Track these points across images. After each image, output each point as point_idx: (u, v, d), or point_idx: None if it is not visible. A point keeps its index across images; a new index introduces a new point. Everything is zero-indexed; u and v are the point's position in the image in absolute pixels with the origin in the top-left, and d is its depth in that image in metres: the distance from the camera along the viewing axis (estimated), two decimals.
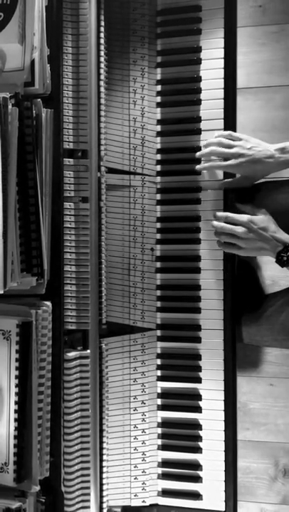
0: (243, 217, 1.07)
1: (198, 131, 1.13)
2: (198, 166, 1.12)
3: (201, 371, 1.14)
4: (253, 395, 1.47)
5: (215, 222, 1.09)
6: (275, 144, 1.07)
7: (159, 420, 1.16)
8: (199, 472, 1.14)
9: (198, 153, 1.11)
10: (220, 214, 1.09)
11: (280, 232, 1.06)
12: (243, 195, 1.14)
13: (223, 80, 1.12)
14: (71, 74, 1.07)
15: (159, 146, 1.16)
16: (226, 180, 1.12)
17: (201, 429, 1.14)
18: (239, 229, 1.06)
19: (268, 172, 1.09)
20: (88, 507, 1.06)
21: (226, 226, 1.07)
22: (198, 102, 1.13)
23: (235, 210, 1.11)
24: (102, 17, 1.09)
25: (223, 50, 1.12)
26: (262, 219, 1.06)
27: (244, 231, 1.06)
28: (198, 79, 1.13)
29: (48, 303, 1.00)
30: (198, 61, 1.13)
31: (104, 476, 1.11)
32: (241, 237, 1.06)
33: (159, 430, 1.16)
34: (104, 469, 1.11)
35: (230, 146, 1.08)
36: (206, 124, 1.13)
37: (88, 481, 1.06)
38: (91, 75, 1.07)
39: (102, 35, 1.09)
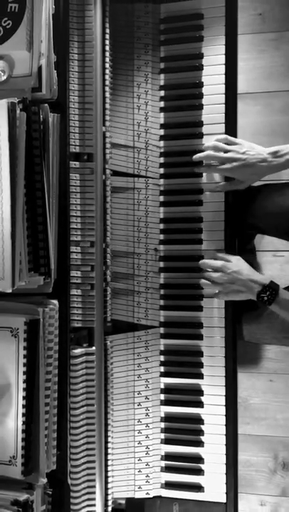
0: (217, 263, 1.09)
1: (201, 135, 1.13)
2: (196, 169, 1.12)
3: (202, 367, 1.13)
4: (253, 390, 1.47)
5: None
6: (270, 147, 1.06)
7: (163, 415, 1.15)
8: (201, 465, 1.13)
9: (195, 156, 1.10)
10: (200, 262, 1.11)
11: (256, 274, 1.08)
12: (243, 197, 1.13)
13: (224, 86, 1.12)
14: (77, 80, 1.06)
15: (162, 149, 1.15)
16: (224, 182, 1.12)
17: (202, 424, 1.13)
18: (214, 274, 1.09)
19: (261, 175, 1.08)
20: (94, 499, 1.06)
21: (205, 274, 1.11)
22: (200, 106, 1.13)
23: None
24: (107, 25, 1.09)
25: (224, 56, 1.12)
26: (235, 263, 1.08)
27: (218, 275, 1.08)
28: (200, 84, 1.13)
29: (55, 301, 1.00)
30: (200, 67, 1.12)
31: (109, 469, 1.10)
32: (217, 282, 1.09)
33: (163, 424, 1.15)
34: (110, 462, 1.10)
35: (225, 151, 1.07)
36: (208, 128, 1.13)
37: (94, 474, 1.06)
38: (96, 80, 1.06)
39: (107, 42, 1.08)
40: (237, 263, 1.08)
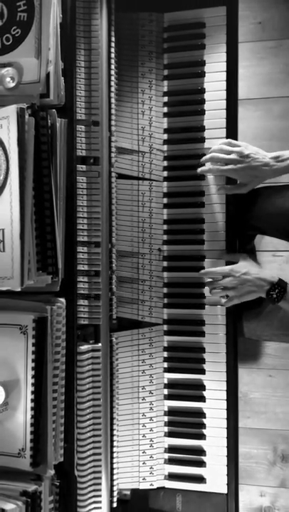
0: (225, 269, 1.08)
1: (202, 140, 1.12)
2: (199, 169, 1.10)
3: (204, 363, 1.12)
4: (254, 385, 1.46)
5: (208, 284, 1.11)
6: (272, 152, 1.06)
7: (166, 409, 1.15)
8: (203, 457, 1.12)
9: (202, 159, 1.10)
10: (202, 272, 1.10)
11: (263, 272, 1.06)
12: (244, 199, 1.12)
13: (225, 92, 1.11)
14: (84, 86, 1.05)
15: (165, 153, 1.14)
16: (225, 185, 1.11)
17: (204, 417, 1.12)
18: (224, 280, 1.07)
19: (263, 178, 1.08)
20: (100, 490, 1.05)
21: (215, 283, 1.09)
22: (202, 112, 1.12)
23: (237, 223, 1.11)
24: (113, 33, 1.08)
25: (225, 63, 1.11)
26: (242, 265, 1.07)
27: (229, 280, 1.06)
28: (202, 91, 1.12)
29: (62, 299, 0.99)
30: (202, 74, 1.12)
31: (114, 461, 1.09)
32: (229, 288, 1.07)
33: (166, 418, 1.14)
34: (115, 455, 1.10)
35: (230, 153, 1.06)
36: (210, 132, 1.12)
37: (100, 466, 1.05)
38: (102, 87, 1.05)
39: (112, 50, 1.07)
40: (243, 264, 1.07)
